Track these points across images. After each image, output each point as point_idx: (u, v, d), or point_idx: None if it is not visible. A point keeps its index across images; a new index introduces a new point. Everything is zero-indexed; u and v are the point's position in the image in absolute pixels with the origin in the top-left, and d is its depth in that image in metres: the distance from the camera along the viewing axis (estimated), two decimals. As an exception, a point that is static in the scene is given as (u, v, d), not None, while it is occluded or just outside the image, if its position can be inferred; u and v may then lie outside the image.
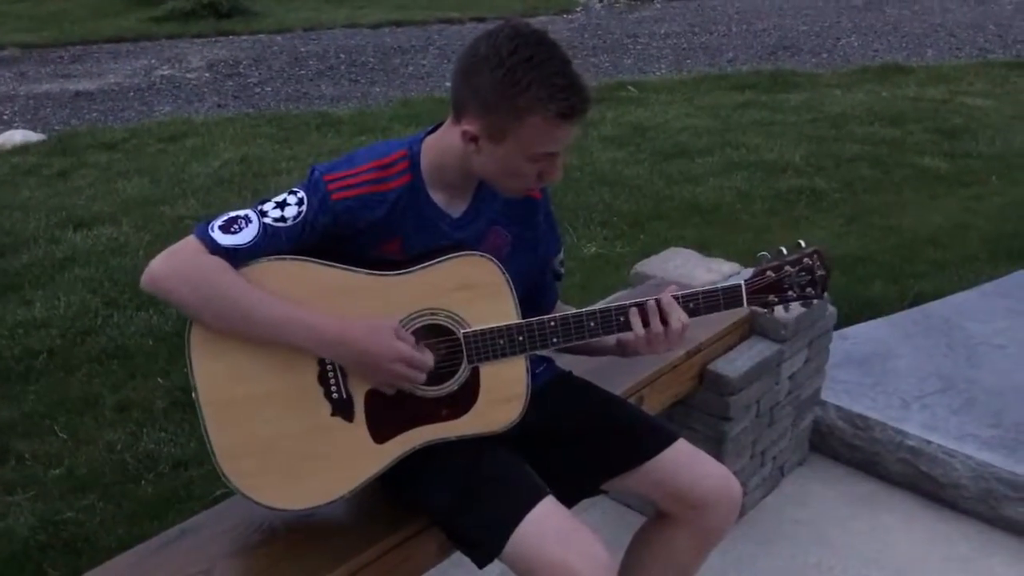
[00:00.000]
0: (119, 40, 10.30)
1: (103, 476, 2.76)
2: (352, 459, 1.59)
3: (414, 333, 1.58)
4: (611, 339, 1.75)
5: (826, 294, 1.78)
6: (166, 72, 8.94)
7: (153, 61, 9.41)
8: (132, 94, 8.12)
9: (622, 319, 1.66)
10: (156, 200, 5.09)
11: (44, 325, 3.66)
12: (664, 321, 1.65)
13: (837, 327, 2.91)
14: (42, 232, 4.61)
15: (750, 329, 2.57)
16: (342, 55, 9.61)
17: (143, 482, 2.74)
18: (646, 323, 1.65)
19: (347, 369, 1.56)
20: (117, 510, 2.61)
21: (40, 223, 4.72)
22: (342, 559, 1.58)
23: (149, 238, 4.49)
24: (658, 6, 12.61)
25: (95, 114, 7.46)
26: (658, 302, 1.65)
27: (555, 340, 1.64)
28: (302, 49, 9.92)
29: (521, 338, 1.62)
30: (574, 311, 1.66)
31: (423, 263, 1.59)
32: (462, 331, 1.60)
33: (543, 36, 1.50)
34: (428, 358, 1.56)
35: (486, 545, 1.58)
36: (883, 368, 3.07)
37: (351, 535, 1.64)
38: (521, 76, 1.46)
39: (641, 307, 1.66)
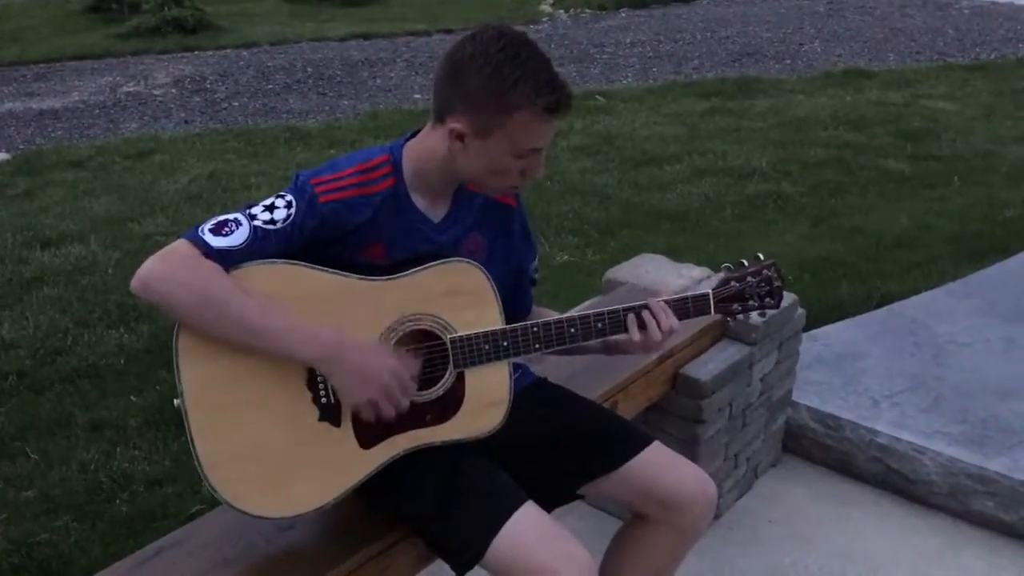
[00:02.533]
0: (83, 57, 10.21)
1: (77, 496, 2.73)
2: (339, 465, 1.60)
3: (403, 337, 1.60)
4: (596, 341, 1.79)
5: (782, 302, 1.85)
6: (132, 89, 8.88)
7: (118, 78, 9.34)
8: (98, 111, 8.05)
9: (600, 325, 1.70)
10: (124, 217, 5.05)
11: (12, 346, 3.62)
12: (658, 324, 1.72)
13: (806, 329, 2.95)
14: (8, 252, 4.56)
15: (721, 333, 2.61)
16: (309, 69, 9.59)
17: (118, 501, 2.71)
18: (643, 327, 1.71)
19: (336, 383, 1.55)
20: (92, 530, 2.59)
21: (6, 243, 4.67)
22: (321, 570, 1.58)
23: (118, 256, 4.46)
24: (623, 15, 12.72)
25: (60, 132, 7.40)
26: (649, 307, 1.72)
27: (537, 346, 1.67)
28: (269, 63, 9.89)
29: (505, 343, 1.65)
30: (555, 316, 1.69)
31: (411, 269, 1.60)
32: (449, 336, 1.62)
33: (525, 36, 1.56)
34: (412, 385, 1.58)
35: (466, 552, 1.58)
36: (852, 368, 3.12)
37: (330, 546, 1.65)
38: (509, 73, 1.51)
39: (638, 312, 1.72)
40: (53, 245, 4.65)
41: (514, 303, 1.86)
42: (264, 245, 1.52)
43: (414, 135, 1.68)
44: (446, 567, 1.64)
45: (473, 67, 1.53)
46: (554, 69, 1.56)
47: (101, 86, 9.00)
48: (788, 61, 9.43)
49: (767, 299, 1.81)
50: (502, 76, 1.51)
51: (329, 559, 1.61)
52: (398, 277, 1.60)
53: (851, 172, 5.58)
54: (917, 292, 3.76)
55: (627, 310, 1.72)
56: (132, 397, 3.25)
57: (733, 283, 1.78)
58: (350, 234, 1.60)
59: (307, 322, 1.51)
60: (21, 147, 6.93)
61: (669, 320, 1.72)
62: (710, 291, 1.77)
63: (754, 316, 1.82)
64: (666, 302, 1.74)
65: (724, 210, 5.00)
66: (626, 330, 1.73)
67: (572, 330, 1.69)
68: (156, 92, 8.75)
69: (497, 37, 1.54)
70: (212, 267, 1.47)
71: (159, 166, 6.07)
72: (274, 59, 10.11)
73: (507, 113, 1.53)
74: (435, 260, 1.62)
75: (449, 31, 10.82)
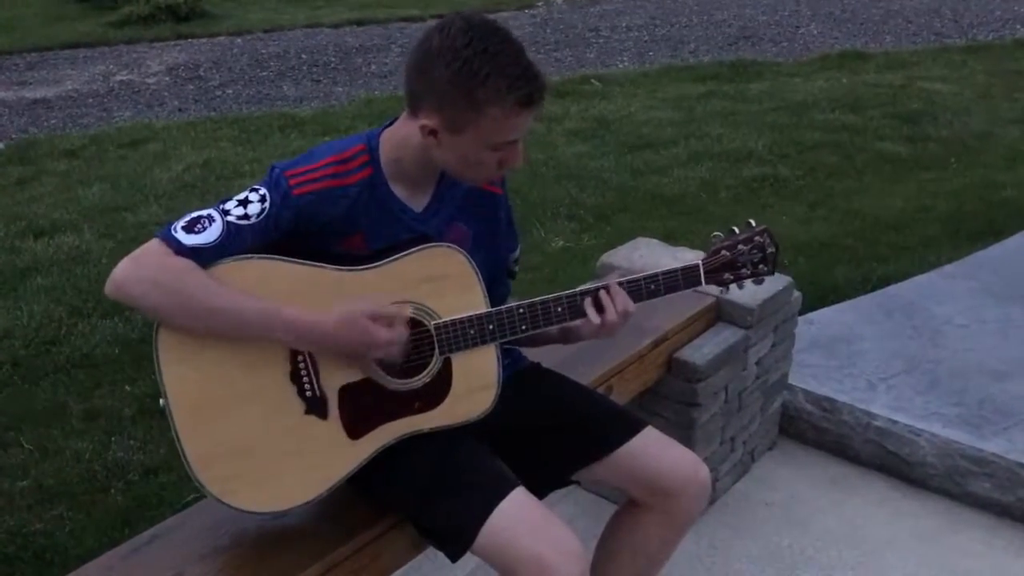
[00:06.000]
0: (75, 46, 10.14)
1: (71, 486, 2.73)
2: (328, 457, 1.59)
3: None
4: (553, 329, 1.77)
5: (776, 269, 1.82)
6: (125, 77, 8.83)
7: (111, 66, 9.28)
8: (91, 100, 8.01)
9: (588, 301, 1.68)
10: (118, 207, 5.03)
11: (6, 336, 3.61)
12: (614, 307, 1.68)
13: (802, 312, 2.94)
14: (2, 242, 4.55)
15: (716, 316, 2.59)
16: (303, 55, 9.55)
17: (113, 491, 2.71)
18: (600, 310, 1.68)
19: (325, 357, 1.55)
20: (87, 519, 2.59)
21: None
22: (314, 558, 1.58)
23: (112, 245, 4.45)
24: (619, -1, 12.65)
25: (53, 121, 7.36)
26: (608, 289, 1.68)
27: (524, 327, 1.66)
28: (262, 51, 9.84)
29: (491, 327, 1.63)
30: (540, 298, 1.67)
31: (390, 256, 1.58)
32: (433, 322, 1.61)
33: (495, 26, 1.50)
34: (402, 332, 1.54)
35: (458, 539, 1.58)
36: (849, 351, 3.11)
37: (323, 534, 1.64)
38: (478, 68, 1.46)
39: (595, 295, 1.68)
40: (46, 234, 4.63)
41: (490, 295, 1.83)
42: (238, 240, 1.50)
43: (392, 122, 1.64)
44: (441, 553, 1.64)
45: (440, 62, 1.47)
46: (526, 59, 1.50)
47: (94, 75, 8.95)
48: (785, 44, 9.39)
49: (760, 266, 1.77)
50: (470, 72, 1.46)
51: (322, 546, 1.60)
52: (377, 266, 1.58)
53: (848, 155, 5.56)
54: (913, 274, 3.75)
55: (585, 293, 1.68)
56: (127, 387, 3.25)
57: (724, 252, 1.75)
58: (327, 226, 1.58)
59: (283, 306, 1.50)
60: (14, 136, 6.89)
61: (623, 301, 1.68)
62: (700, 262, 1.74)
63: (749, 284, 1.79)
64: (655, 276, 1.71)
65: (720, 194, 4.98)
66: (595, 312, 1.69)
67: (559, 309, 1.67)
68: (149, 80, 8.70)
69: (465, 29, 1.47)
70: (184, 264, 1.46)
71: (153, 155, 6.04)
72: (268, 46, 10.06)
73: (477, 110, 1.48)
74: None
75: (442, 16, 10.75)
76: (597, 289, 1.69)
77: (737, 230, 1.78)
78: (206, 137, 6.42)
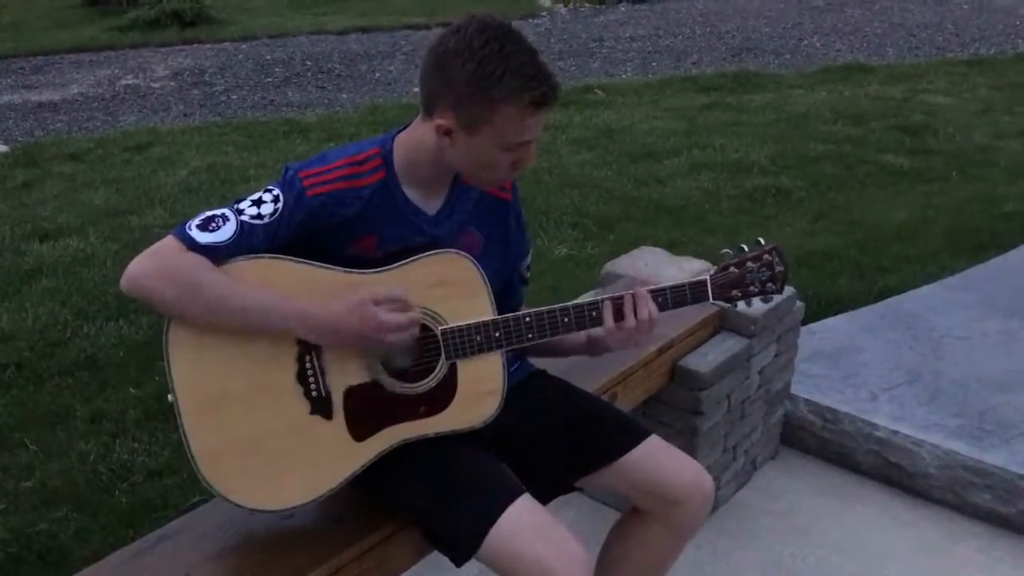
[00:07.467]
0: (82, 50, 10.19)
1: (76, 487, 2.74)
2: (332, 457, 1.60)
3: None
4: (581, 337, 1.79)
5: (785, 288, 1.82)
6: (130, 82, 8.86)
7: (117, 71, 9.32)
8: (96, 104, 8.04)
9: (595, 314, 1.69)
10: (123, 210, 5.05)
11: (11, 338, 3.62)
12: (635, 315, 1.68)
13: (805, 322, 2.95)
14: (7, 244, 4.56)
15: (720, 325, 2.61)
16: (308, 62, 9.58)
17: (117, 492, 2.72)
18: (619, 317, 1.68)
19: (333, 356, 1.56)
20: (92, 521, 2.60)
21: (5, 235, 4.67)
22: (319, 561, 1.59)
23: (117, 248, 4.46)
24: (623, 9, 12.69)
25: (59, 125, 7.38)
26: (633, 296, 1.68)
27: (530, 336, 1.66)
28: (268, 57, 9.87)
29: (498, 334, 1.64)
30: (548, 307, 1.68)
31: (400, 261, 1.60)
32: (440, 328, 1.62)
33: (510, 28, 1.52)
34: (412, 315, 1.55)
35: (463, 544, 1.59)
36: (851, 361, 3.12)
37: (328, 537, 1.65)
38: (494, 68, 1.48)
39: (616, 301, 1.68)
40: (52, 237, 4.64)
41: (505, 301, 1.84)
42: (251, 239, 1.52)
43: (406, 127, 1.66)
44: (446, 558, 1.65)
45: (457, 62, 1.50)
46: (540, 60, 1.52)
47: (100, 79, 8.98)
48: (787, 56, 9.42)
49: (768, 284, 1.76)
50: (486, 71, 1.48)
51: (328, 550, 1.61)
52: (386, 270, 1.59)
53: (850, 166, 5.58)
54: (915, 286, 3.76)
55: (608, 299, 1.68)
56: (131, 389, 3.26)
57: (732, 269, 1.75)
58: (340, 227, 1.60)
59: (294, 299, 1.52)
60: (20, 139, 6.92)
61: (647, 308, 1.67)
62: (708, 277, 1.74)
63: (756, 302, 1.79)
64: (663, 290, 1.71)
65: (723, 204, 5.00)
66: (611, 320, 1.69)
67: (566, 319, 1.68)
68: (155, 85, 8.73)
69: (481, 30, 1.50)
70: (198, 260, 1.48)
71: (158, 159, 6.06)
72: (273, 52, 10.09)
73: (493, 109, 1.50)
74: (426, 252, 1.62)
75: (448, 24, 10.75)
76: (619, 297, 1.69)
77: (746, 248, 1.77)
78: (211, 142, 6.44)
